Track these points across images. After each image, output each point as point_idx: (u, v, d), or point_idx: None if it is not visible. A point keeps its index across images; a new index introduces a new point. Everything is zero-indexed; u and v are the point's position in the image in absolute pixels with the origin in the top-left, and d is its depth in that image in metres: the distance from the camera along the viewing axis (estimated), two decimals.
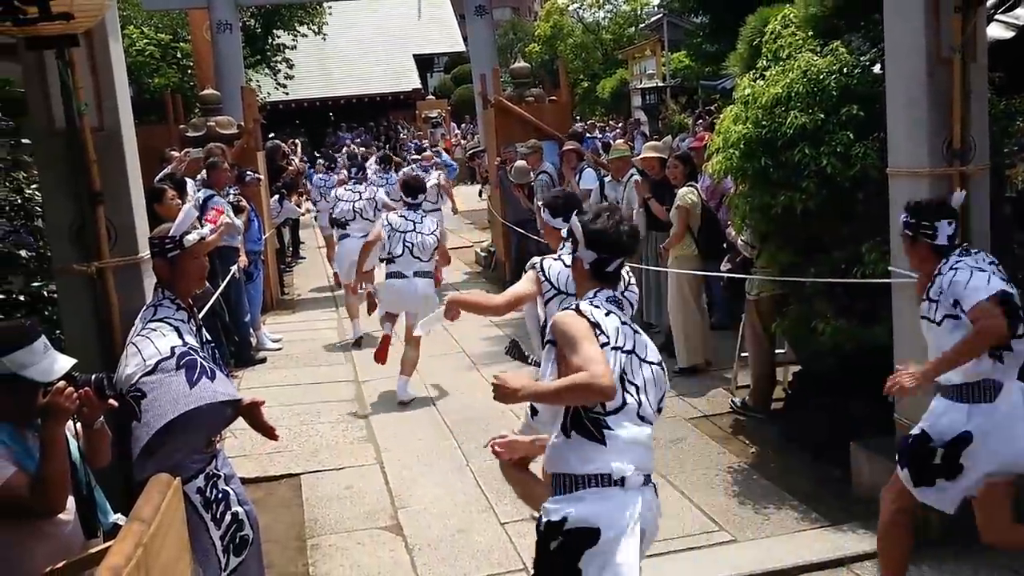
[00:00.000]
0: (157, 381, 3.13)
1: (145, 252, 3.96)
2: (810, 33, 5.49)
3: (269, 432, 3.60)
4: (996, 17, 5.43)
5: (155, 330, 3.27)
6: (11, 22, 3.13)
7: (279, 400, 7.36)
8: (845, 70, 5.17)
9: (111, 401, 2.96)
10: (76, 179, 3.71)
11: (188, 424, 3.14)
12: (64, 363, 2.84)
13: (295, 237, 15.34)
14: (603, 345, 2.93)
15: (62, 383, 2.76)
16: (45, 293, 4.12)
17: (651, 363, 3.10)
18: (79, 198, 3.73)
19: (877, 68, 5.43)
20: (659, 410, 3.10)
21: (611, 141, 16.39)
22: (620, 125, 26.30)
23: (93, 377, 2.89)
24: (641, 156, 8.55)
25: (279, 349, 9.14)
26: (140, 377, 3.13)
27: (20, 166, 4.36)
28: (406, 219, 7.21)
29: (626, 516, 2.86)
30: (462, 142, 28.31)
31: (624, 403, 2.93)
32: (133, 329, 3.36)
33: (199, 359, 3.25)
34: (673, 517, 4.99)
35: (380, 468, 5.94)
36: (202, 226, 3.70)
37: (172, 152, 9.50)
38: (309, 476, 5.90)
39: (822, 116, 5.05)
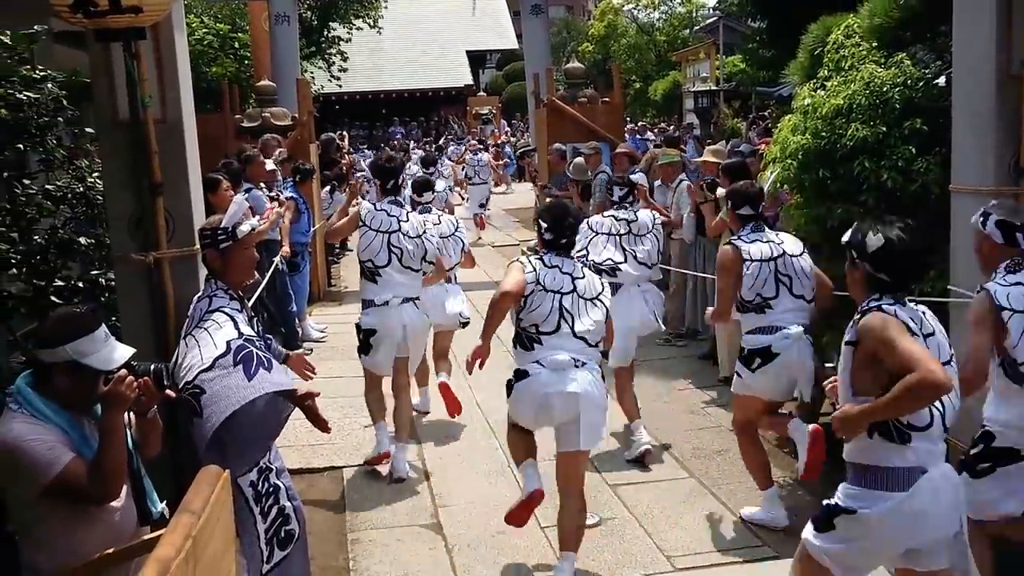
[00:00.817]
0: (215, 377, 3.13)
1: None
2: (874, 44, 5.39)
3: (322, 424, 3.60)
4: None
5: (212, 322, 3.29)
6: (82, 14, 3.17)
7: (323, 392, 7.35)
8: (909, 83, 5.07)
9: (168, 391, 2.99)
10: (137, 170, 3.77)
11: (248, 417, 3.17)
12: (124, 352, 2.88)
13: None
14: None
15: (123, 372, 2.80)
16: (103, 281, 4.18)
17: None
18: (140, 188, 3.79)
19: (941, 81, 5.32)
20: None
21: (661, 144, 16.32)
22: (671, 128, 26.12)
23: (152, 367, 2.93)
24: (702, 159, 8.48)
25: (324, 340, 9.22)
26: (198, 374, 3.14)
27: (83, 155, 4.43)
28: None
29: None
30: (511, 140, 28.31)
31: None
32: (188, 321, 3.40)
33: (255, 350, 3.24)
34: (716, 530, 4.95)
35: (422, 465, 5.97)
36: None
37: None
38: (351, 470, 5.95)
39: (884, 129, 4.96)
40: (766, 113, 19.29)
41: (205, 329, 3.27)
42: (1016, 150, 4.20)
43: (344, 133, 18.39)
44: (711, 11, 34.08)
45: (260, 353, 3.25)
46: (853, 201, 5.06)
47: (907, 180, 4.86)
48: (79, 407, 2.87)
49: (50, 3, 3.30)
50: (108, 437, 2.77)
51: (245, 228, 3.44)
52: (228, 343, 3.22)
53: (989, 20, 4.16)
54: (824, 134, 5.20)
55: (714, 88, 25.20)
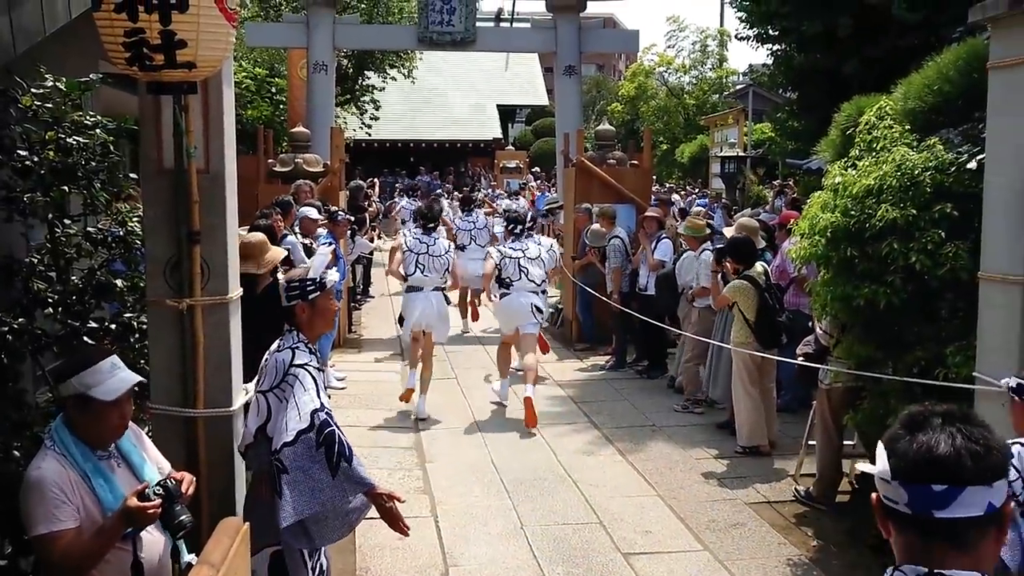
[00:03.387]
0: (298, 458, 3.29)
1: (234, 292, 4.06)
2: (906, 127, 5.43)
3: (400, 528, 3.59)
4: None
5: (298, 382, 3.40)
6: (137, 66, 3.27)
7: None
8: (941, 167, 5.10)
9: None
10: (177, 217, 3.83)
11: (327, 509, 3.46)
12: (127, 377, 2.95)
13: (366, 275, 15.56)
14: None
15: (152, 497, 2.80)
16: (135, 324, 4.23)
17: None
18: (178, 235, 3.85)
19: (972, 165, 5.35)
20: None
21: (687, 208, 16.39)
22: (697, 191, 26.27)
23: (162, 483, 2.88)
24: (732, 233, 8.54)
25: (343, 388, 9.24)
26: (283, 447, 3.31)
27: (124, 199, 4.51)
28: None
29: None
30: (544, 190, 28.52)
31: None
32: (267, 374, 3.51)
33: (336, 431, 3.36)
34: None
35: (434, 522, 5.94)
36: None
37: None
38: (363, 522, 5.88)
39: (914, 212, 4.97)
40: (791, 183, 19.37)
41: (291, 387, 3.39)
42: None
43: (375, 180, 18.60)
44: (740, 77, 34.45)
45: (340, 435, 3.38)
46: (880, 281, 5.07)
47: (935, 264, 4.86)
48: (97, 441, 2.94)
49: (107, 53, 3.40)
50: (102, 537, 2.80)
51: (332, 277, 3.61)
52: (313, 415, 3.34)
53: (1023, 111, 4.20)
54: (853, 213, 5.23)
55: (741, 154, 25.36)
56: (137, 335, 4.29)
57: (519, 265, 8.39)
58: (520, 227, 8.72)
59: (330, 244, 9.42)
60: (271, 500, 3.37)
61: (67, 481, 2.82)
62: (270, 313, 6.25)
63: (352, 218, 10.64)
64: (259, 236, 6.51)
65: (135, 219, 4.37)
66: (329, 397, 8.50)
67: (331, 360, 9.85)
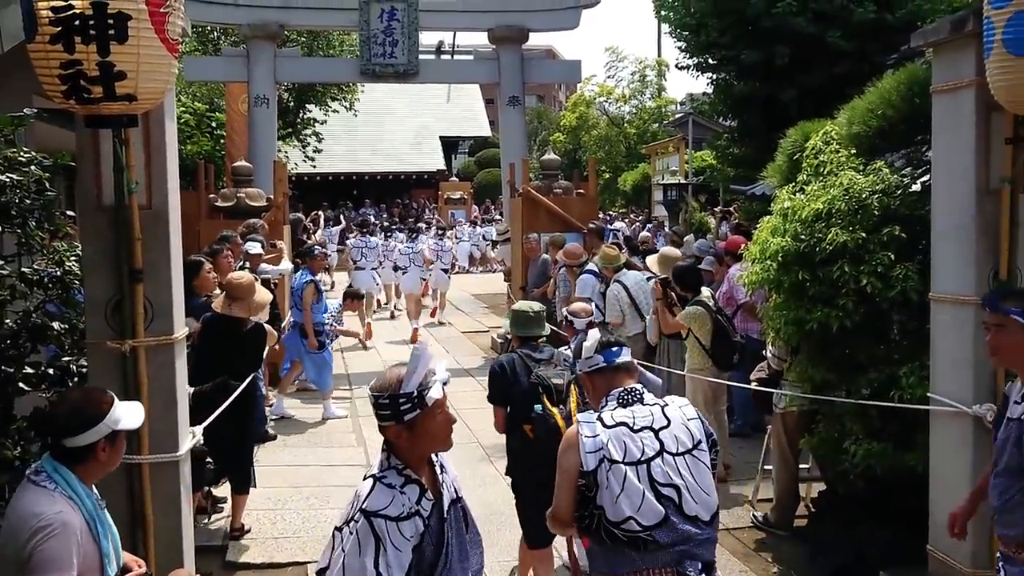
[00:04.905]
0: None
1: (180, 332, 3.91)
2: (852, 151, 5.51)
3: None
4: None
5: (357, 529, 2.47)
6: (75, 99, 3.14)
7: (289, 481, 7.25)
8: (888, 190, 5.17)
9: None
10: (118, 255, 3.69)
11: None
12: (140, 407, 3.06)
13: None
14: None
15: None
16: (74, 368, 4.05)
17: None
18: (119, 274, 3.71)
19: (915, 187, 5.44)
20: None
21: (632, 236, 16.50)
22: (641, 218, 26.54)
23: None
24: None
25: (344, 416, 9.40)
26: None
27: (61, 237, 4.34)
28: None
29: None
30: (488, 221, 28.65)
31: None
32: (348, 503, 2.57)
33: None
34: None
35: None
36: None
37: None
38: (316, 566, 5.73)
39: (863, 235, 5.02)
40: (732, 208, 19.64)
41: (351, 537, 2.47)
42: (995, 262, 4.26)
43: (319, 214, 18.42)
44: (678, 106, 35.00)
45: None
46: (832, 304, 5.09)
47: (886, 286, 4.90)
48: (92, 481, 2.92)
49: (42, 86, 3.26)
50: None
51: (436, 390, 2.54)
52: None
53: (968, 136, 4.26)
54: (804, 237, 5.26)
55: (683, 181, 25.67)
56: (76, 379, 4.11)
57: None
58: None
59: (310, 280, 9.56)
60: None
61: (83, 528, 2.78)
62: (252, 356, 6.12)
63: (328, 252, 10.65)
64: (248, 277, 6.36)
65: (73, 258, 4.20)
66: (275, 437, 8.46)
67: (270, 398, 9.66)
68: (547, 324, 5.07)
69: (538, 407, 4.58)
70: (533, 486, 4.47)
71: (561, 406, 4.60)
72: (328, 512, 6.60)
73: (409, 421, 2.50)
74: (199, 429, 4.50)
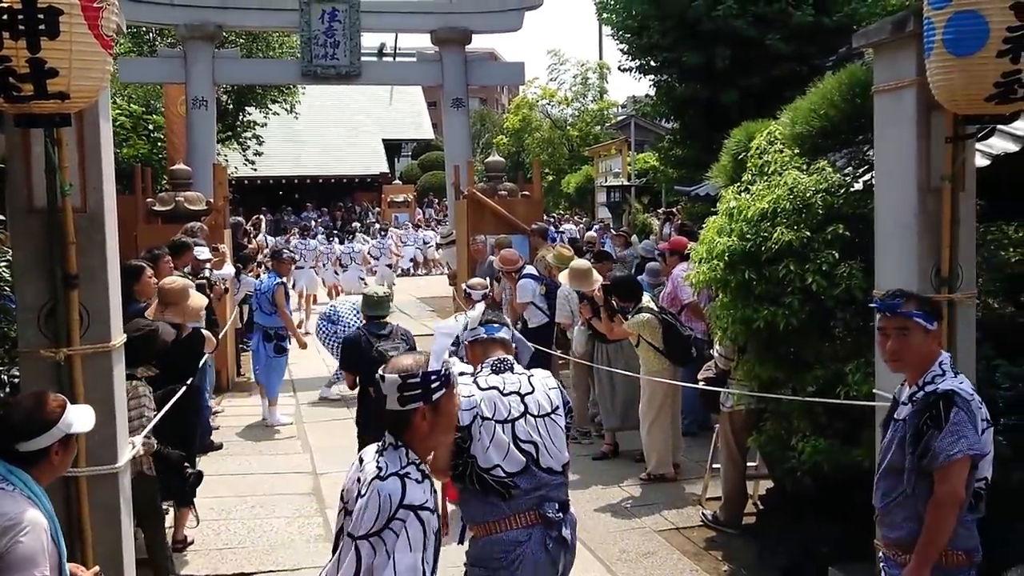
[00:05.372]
0: None
1: (117, 339, 3.78)
2: (795, 151, 5.55)
3: None
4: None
5: (405, 524, 2.47)
6: (3, 97, 3.01)
7: (234, 491, 7.10)
8: (831, 189, 5.22)
9: None
10: (51, 259, 3.55)
11: None
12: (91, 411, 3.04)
13: (251, 315, 14.99)
14: None
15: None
16: (5, 377, 3.89)
17: None
18: (52, 279, 3.57)
19: (857, 186, 5.51)
20: None
21: (578, 238, 16.53)
22: (585, 220, 26.66)
23: None
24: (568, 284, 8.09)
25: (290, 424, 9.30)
26: None
27: None
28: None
29: None
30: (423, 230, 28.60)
31: None
32: (369, 507, 2.49)
33: None
34: None
35: None
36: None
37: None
38: None
39: (808, 234, 5.06)
40: (675, 210, 19.82)
41: (396, 537, 2.46)
42: (937, 259, 4.31)
43: (261, 217, 18.13)
44: (619, 109, 35.23)
45: None
46: (778, 303, 5.13)
47: (831, 284, 4.95)
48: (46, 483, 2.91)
49: None
50: None
51: (457, 366, 2.75)
52: None
53: (910, 135, 4.31)
54: (750, 236, 5.29)
55: (626, 183, 25.84)
56: (7, 389, 3.94)
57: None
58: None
59: (280, 283, 9.60)
60: None
61: (46, 527, 2.79)
62: (189, 363, 5.92)
63: (295, 256, 10.57)
64: (181, 282, 6.19)
65: (3, 263, 4.03)
66: (220, 446, 8.27)
67: (218, 403, 9.46)
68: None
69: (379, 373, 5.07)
70: (372, 431, 5.08)
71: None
72: (274, 521, 6.48)
73: (437, 400, 2.62)
74: (139, 439, 4.37)
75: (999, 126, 4.52)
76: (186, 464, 5.38)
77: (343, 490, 2.71)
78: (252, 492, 7.12)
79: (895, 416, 3.39)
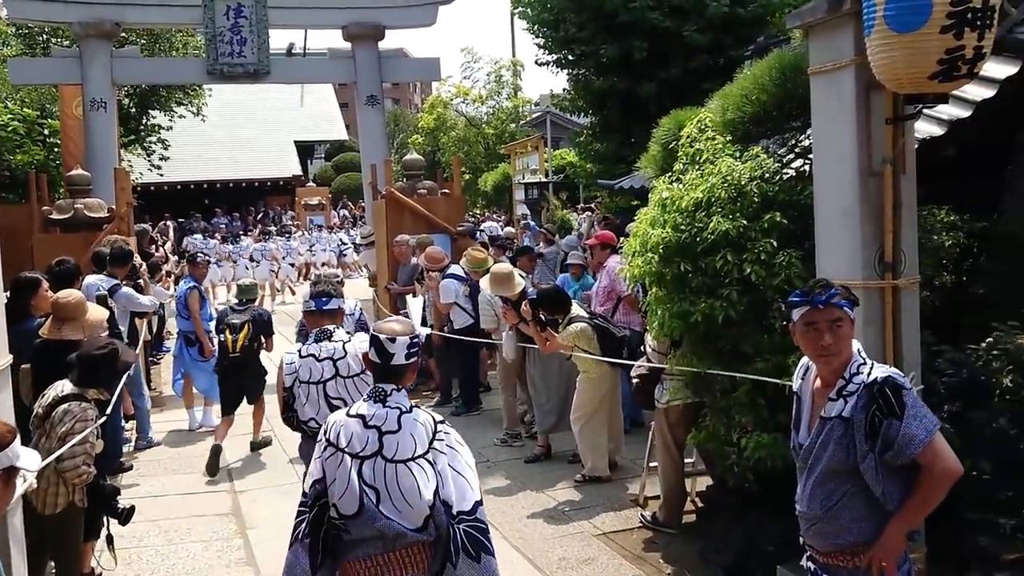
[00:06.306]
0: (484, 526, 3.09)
1: (3, 359, 3.37)
2: (728, 138, 5.39)
3: None
4: None
5: (452, 439, 3.12)
6: None
7: (145, 515, 6.58)
8: (766, 177, 5.07)
9: None
10: None
11: None
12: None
13: (161, 325, 14.31)
14: None
15: None
16: None
17: None
18: None
19: (788, 172, 5.38)
20: None
21: (499, 233, 16.29)
22: (504, 218, 26.47)
23: None
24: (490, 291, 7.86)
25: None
26: (475, 507, 3.05)
27: None
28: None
29: None
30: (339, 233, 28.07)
31: None
32: (409, 434, 3.03)
33: None
34: None
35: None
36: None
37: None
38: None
39: (745, 222, 4.90)
40: (592, 206, 19.75)
41: (454, 451, 3.06)
42: (880, 245, 4.18)
43: (168, 224, 17.42)
44: (533, 107, 35.15)
45: None
46: (716, 295, 4.95)
47: (770, 274, 4.78)
48: None
49: None
50: None
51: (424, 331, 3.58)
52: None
53: (849, 118, 4.17)
54: (684, 227, 5.11)
55: (544, 180, 25.72)
56: None
57: None
58: None
59: (193, 287, 9.36)
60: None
61: None
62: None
63: (210, 259, 10.30)
64: (76, 295, 5.74)
65: None
66: (131, 467, 7.76)
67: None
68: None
69: (222, 336, 7.96)
70: (228, 381, 7.96)
71: (235, 335, 7.82)
72: (190, 546, 6.06)
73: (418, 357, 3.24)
74: (36, 465, 3.94)
75: (924, 110, 4.42)
76: (118, 497, 4.97)
77: (337, 434, 3.04)
78: (165, 515, 6.67)
79: (823, 414, 3.10)
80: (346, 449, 2.99)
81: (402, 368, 3.15)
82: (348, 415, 3.08)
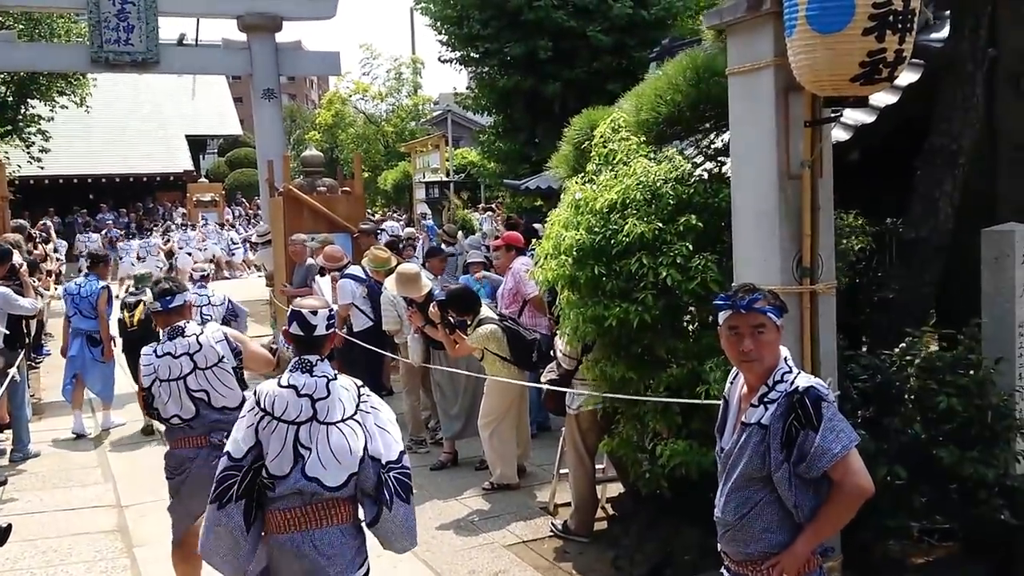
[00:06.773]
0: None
1: None
2: (642, 139, 5.29)
3: None
4: None
5: (380, 403, 3.46)
6: None
7: (20, 534, 6.10)
8: (681, 179, 4.99)
9: None
10: None
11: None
12: None
13: (40, 328, 13.47)
14: None
15: None
16: None
17: None
18: None
19: (700, 174, 5.31)
20: None
21: (400, 234, 15.99)
22: (404, 217, 26.16)
23: None
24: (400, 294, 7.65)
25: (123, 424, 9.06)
26: (400, 456, 3.38)
27: None
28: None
29: None
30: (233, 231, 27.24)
31: None
32: (347, 398, 3.39)
33: None
34: None
35: None
36: None
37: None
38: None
39: (660, 225, 4.79)
40: (494, 206, 19.66)
41: (377, 411, 3.39)
42: (798, 249, 4.13)
43: (47, 222, 16.50)
44: (433, 105, 34.89)
45: None
46: (631, 299, 4.84)
47: (686, 278, 4.69)
48: None
49: None
50: None
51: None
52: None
53: (768, 120, 4.09)
54: (598, 229, 4.98)
55: (445, 179, 25.49)
56: None
57: None
58: None
59: (105, 286, 9.04)
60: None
61: None
62: None
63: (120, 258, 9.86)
64: None
65: None
66: (4, 482, 7.20)
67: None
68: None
69: (120, 316, 8.61)
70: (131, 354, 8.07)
71: (131, 313, 8.39)
72: (72, 567, 5.63)
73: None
74: None
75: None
76: None
77: (272, 403, 3.29)
78: (43, 534, 6.19)
79: (744, 420, 3.02)
80: (282, 417, 3.27)
81: (323, 339, 3.44)
82: (280, 385, 3.34)
